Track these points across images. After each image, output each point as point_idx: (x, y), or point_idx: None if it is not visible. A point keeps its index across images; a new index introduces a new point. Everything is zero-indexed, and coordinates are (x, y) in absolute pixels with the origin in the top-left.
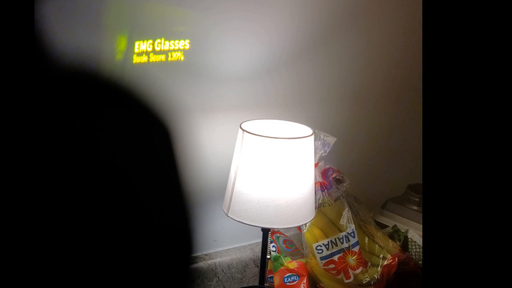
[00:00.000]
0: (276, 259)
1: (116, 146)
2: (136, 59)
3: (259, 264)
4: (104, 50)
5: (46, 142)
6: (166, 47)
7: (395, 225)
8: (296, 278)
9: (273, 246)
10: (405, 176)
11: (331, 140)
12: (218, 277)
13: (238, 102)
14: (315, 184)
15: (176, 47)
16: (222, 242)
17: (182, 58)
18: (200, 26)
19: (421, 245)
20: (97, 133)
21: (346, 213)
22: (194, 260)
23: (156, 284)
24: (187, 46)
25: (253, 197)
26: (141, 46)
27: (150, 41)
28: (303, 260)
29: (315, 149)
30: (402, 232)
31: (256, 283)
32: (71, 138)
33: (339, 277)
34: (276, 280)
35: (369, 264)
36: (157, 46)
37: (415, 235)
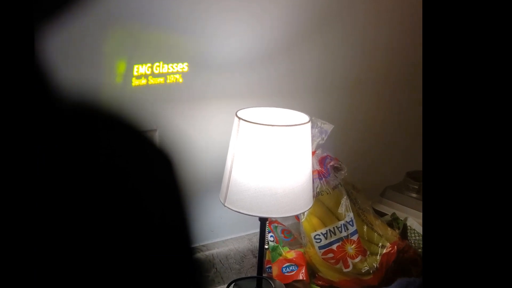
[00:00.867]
0: (274, 249)
1: (114, 143)
2: (135, 82)
3: (257, 255)
4: (104, 74)
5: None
6: (164, 70)
7: (394, 213)
8: (295, 268)
9: (271, 236)
10: (404, 163)
11: (329, 127)
12: (216, 268)
13: (234, 91)
14: (313, 172)
15: (174, 70)
16: (219, 232)
17: (180, 80)
18: (195, 15)
19: (420, 232)
20: (97, 134)
21: (345, 202)
22: (192, 251)
23: (155, 277)
24: (186, 69)
25: (250, 186)
26: (140, 69)
27: (149, 65)
28: (301, 250)
29: (312, 137)
30: (401, 220)
31: (254, 274)
32: (72, 138)
33: (337, 266)
34: (275, 270)
35: (368, 252)
36: (156, 69)
37: (414, 222)
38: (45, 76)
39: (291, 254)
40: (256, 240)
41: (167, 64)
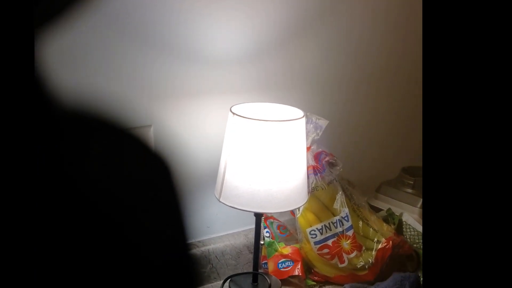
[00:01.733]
0: (270, 244)
1: (108, 140)
2: None
3: (252, 250)
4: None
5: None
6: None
7: (389, 209)
8: (291, 263)
9: (267, 232)
10: (399, 158)
11: (323, 122)
12: (212, 264)
13: (228, 87)
14: (308, 168)
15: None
16: (215, 228)
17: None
18: (189, 7)
19: (416, 228)
20: (92, 132)
21: (340, 197)
22: (187, 247)
23: (151, 273)
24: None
25: (245, 181)
26: None
27: None
28: (297, 246)
29: (307, 132)
30: (397, 215)
31: (250, 270)
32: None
33: (333, 261)
34: (270, 266)
35: (364, 248)
36: None
37: (410, 218)
38: (42, 78)
39: (286, 249)
40: (252, 236)
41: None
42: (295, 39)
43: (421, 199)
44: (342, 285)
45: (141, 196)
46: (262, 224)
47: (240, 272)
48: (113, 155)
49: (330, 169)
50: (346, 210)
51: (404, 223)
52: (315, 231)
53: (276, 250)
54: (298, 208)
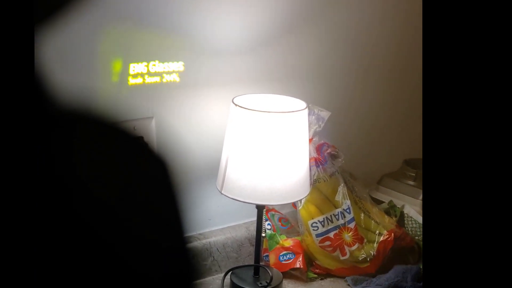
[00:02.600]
0: (271, 237)
1: (111, 132)
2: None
3: (254, 243)
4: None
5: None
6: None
7: (391, 201)
8: (292, 256)
9: (268, 224)
10: (401, 151)
11: (326, 114)
12: (213, 257)
13: (229, 77)
14: (310, 159)
15: (170, 69)
16: (216, 221)
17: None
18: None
19: (417, 220)
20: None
21: (342, 189)
22: (188, 240)
23: (152, 266)
24: (181, 68)
25: (247, 173)
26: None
27: (145, 63)
28: (298, 238)
29: (309, 123)
30: (398, 207)
31: (252, 262)
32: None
33: (335, 254)
34: (272, 259)
35: (365, 240)
36: (152, 68)
37: (411, 210)
38: (41, 78)
39: (288, 242)
40: (253, 229)
41: (163, 63)
42: (297, 30)
43: None
44: (344, 277)
45: (142, 188)
46: (263, 216)
47: (241, 264)
48: (114, 148)
49: (332, 161)
50: (348, 202)
51: (405, 215)
52: (316, 223)
53: (277, 243)
54: (300, 200)
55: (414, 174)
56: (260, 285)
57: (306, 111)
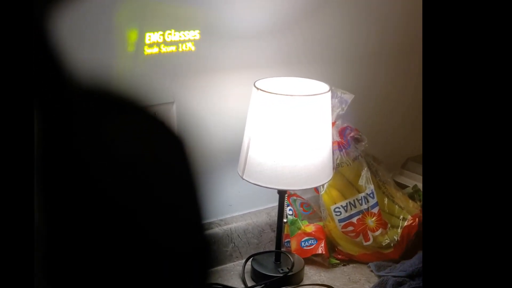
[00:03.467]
0: (293, 223)
1: (130, 117)
2: (147, 51)
3: (275, 229)
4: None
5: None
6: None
7: (415, 185)
8: (314, 242)
9: (290, 210)
10: None
11: (349, 97)
12: (234, 243)
13: (250, 61)
14: (333, 143)
15: (186, 38)
16: (237, 207)
17: (193, 49)
18: None
19: None
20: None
21: (365, 173)
22: (209, 226)
23: (172, 253)
24: (197, 37)
25: (269, 158)
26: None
27: (161, 32)
28: (320, 223)
29: (332, 107)
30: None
31: (273, 248)
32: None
33: (357, 239)
34: (293, 245)
35: (389, 225)
36: (168, 37)
37: None
38: (60, 55)
39: (310, 227)
40: (274, 214)
41: (179, 31)
42: (318, 12)
43: None
44: (367, 263)
45: (163, 173)
46: (285, 201)
47: (262, 251)
48: (135, 133)
49: (355, 145)
50: (372, 186)
51: None
52: (339, 208)
53: (299, 228)
54: (323, 185)
55: None
56: (281, 271)
57: (329, 94)
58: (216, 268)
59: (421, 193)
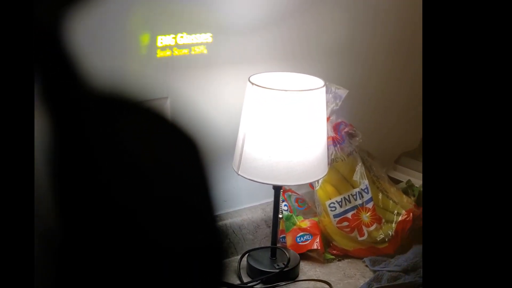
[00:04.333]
0: (288, 218)
1: (131, 116)
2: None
3: (270, 224)
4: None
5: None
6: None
7: (409, 180)
8: (309, 237)
9: (285, 205)
10: (419, 129)
11: (343, 92)
12: (229, 239)
13: (245, 56)
14: (327, 138)
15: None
16: (232, 202)
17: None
18: None
19: None
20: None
21: (359, 169)
22: (217, 219)
23: (169, 250)
24: (209, 40)
25: (264, 153)
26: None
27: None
28: (315, 219)
29: (327, 102)
30: (417, 187)
31: (268, 244)
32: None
33: (352, 235)
34: (289, 240)
35: (383, 220)
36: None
37: None
38: (74, 59)
39: (305, 223)
40: (269, 210)
41: (191, 34)
42: (313, 7)
43: None
44: (362, 258)
45: (157, 169)
46: (280, 197)
47: (258, 246)
48: (129, 128)
49: (350, 140)
50: (366, 182)
51: None
52: (334, 203)
53: (294, 224)
54: (317, 181)
55: None
56: (277, 267)
57: (324, 89)
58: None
59: (415, 188)
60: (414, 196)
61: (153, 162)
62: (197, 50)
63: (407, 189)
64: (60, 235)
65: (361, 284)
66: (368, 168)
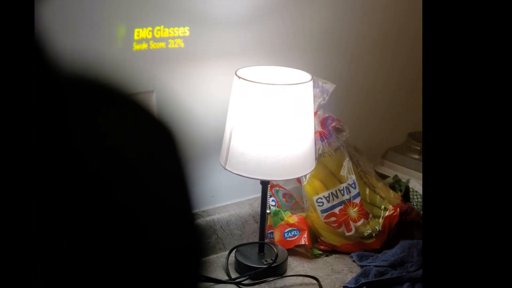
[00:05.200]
0: (275, 213)
1: (113, 107)
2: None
3: (258, 220)
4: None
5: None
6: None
7: (396, 175)
8: (297, 232)
9: (273, 201)
10: (406, 124)
11: (330, 86)
12: (217, 234)
13: (232, 49)
14: (315, 133)
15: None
16: (220, 198)
17: (182, 45)
18: None
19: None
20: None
21: (347, 164)
22: (193, 217)
23: (155, 246)
24: (187, 33)
25: (252, 148)
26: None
27: (150, 29)
28: (303, 214)
29: (314, 96)
30: (403, 182)
31: (256, 239)
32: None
33: (340, 230)
34: (276, 236)
35: (371, 215)
36: (157, 33)
37: (417, 184)
38: (43, 44)
39: (293, 218)
40: (257, 205)
41: (168, 28)
42: (300, 0)
43: None
44: (349, 253)
45: (143, 163)
46: (268, 192)
47: (246, 242)
48: (114, 122)
49: (337, 135)
50: (353, 177)
51: (411, 189)
52: (322, 199)
53: (282, 219)
54: (305, 176)
55: (419, 148)
56: (265, 263)
57: (311, 83)
58: (203, 258)
59: (402, 183)
60: (401, 191)
61: (138, 156)
62: (175, 44)
63: (394, 184)
64: (45, 234)
65: (349, 279)
66: (355, 163)
